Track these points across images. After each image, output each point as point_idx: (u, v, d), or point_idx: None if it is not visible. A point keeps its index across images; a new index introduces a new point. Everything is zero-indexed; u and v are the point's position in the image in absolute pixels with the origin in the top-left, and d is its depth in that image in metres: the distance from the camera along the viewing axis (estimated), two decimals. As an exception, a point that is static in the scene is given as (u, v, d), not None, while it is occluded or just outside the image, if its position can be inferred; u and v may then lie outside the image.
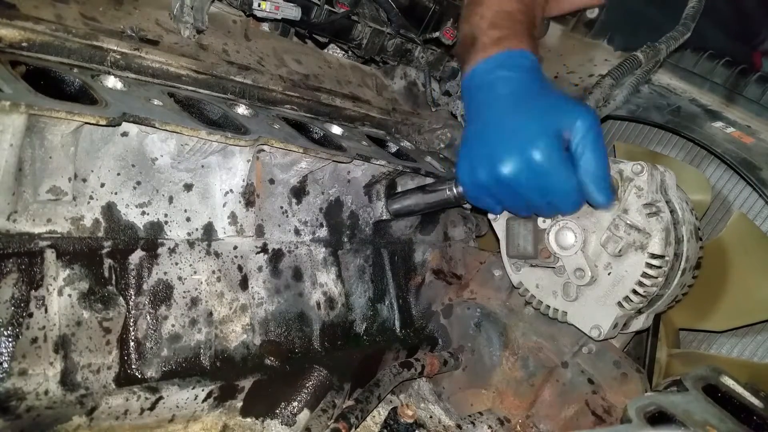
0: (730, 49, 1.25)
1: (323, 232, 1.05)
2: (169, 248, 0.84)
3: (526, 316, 1.10)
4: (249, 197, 0.91)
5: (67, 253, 0.73)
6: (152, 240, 0.82)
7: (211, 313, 0.86)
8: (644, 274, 0.91)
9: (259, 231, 0.94)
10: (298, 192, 1.01)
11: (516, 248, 1.01)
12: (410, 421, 0.84)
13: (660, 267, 0.91)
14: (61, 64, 0.79)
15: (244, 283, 0.91)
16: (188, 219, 0.86)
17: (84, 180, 0.76)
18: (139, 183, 0.81)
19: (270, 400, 0.87)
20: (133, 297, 0.79)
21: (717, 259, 1.05)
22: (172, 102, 0.83)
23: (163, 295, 0.82)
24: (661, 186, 0.95)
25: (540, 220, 0.99)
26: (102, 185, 0.78)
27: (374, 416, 0.98)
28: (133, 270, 0.80)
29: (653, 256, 0.90)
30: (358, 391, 0.93)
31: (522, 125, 0.87)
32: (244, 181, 0.90)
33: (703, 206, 1.08)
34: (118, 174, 0.79)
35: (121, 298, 0.77)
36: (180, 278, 0.84)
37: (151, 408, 0.75)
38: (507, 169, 0.87)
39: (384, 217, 1.14)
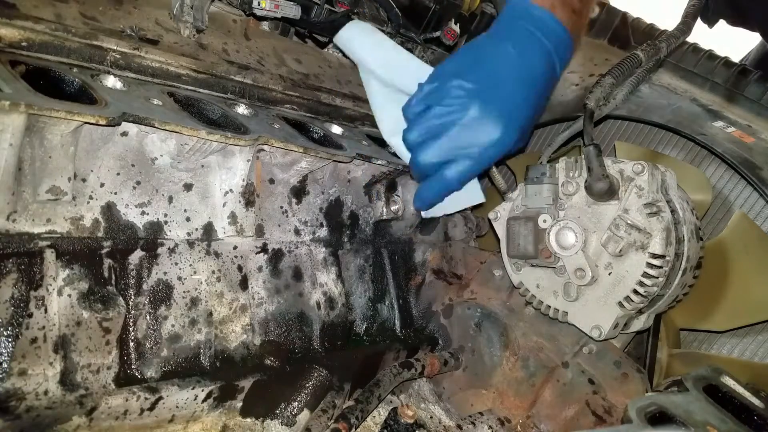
0: None
1: (323, 232, 1.05)
2: (168, 248, 0.83)
3: (526, 316, 1.10)
4: (249, 197, 0.91)
5: (66, 253, 0.73)
6: (152, 240, 0.82)
7: (211, 313, 0.86)
8: (645, 274, 0.91)
9: (259, 231, 0.94)
10: (298, 192, 1.01)
11: (516, 248, 1.01)
12: (410, 421, 0.84)
13: (661, 267, 0.91)
14: (60, 63, 0.79)
15: (244, 283, 0.91)
16: (188, 219, 0.86)
17: (84, 180, 0.76)
18: (138, 183, 0.81)
19: (270, 401, 0.87)
20: (132, 297, 0.79)
21: (718, 259, 1.05)
22: (171, 101, 0.83)
23: (162, 295, 0.82)
24: (661, 186, 0.95)
25: (541, 219, 0.99)
26: (102, 185, 0.78)
27: (374, 416, 0.98)
28: (133, 270, 0.80)
29: (654, 255, 0.90)
30: (358, 392, 0.93)
31: None
32: (244, 180, 0.89)
33: (703, 206, 1.08)
34: (118, 174, 0.79)
35: (120, 298, 0.77)
36: (180, 278, 0.84)
37: (151, 408, 0.75)
38: None
39: (384, 217, 1.14)
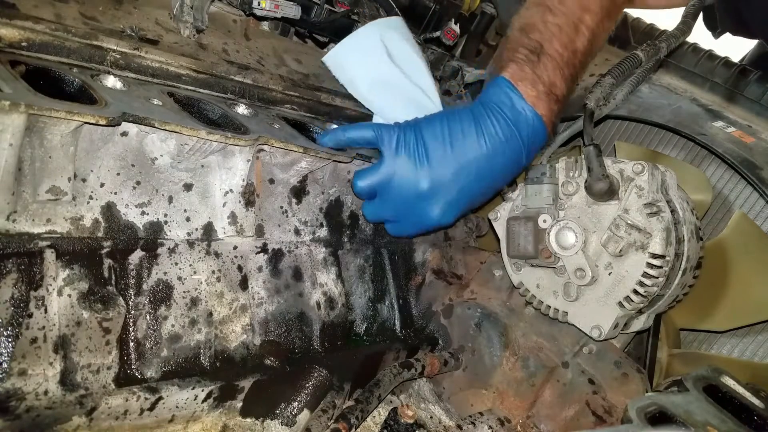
0: None
1: (323, 232, 1.05)
2: (168, 248, 0.83)
3: (526, 316, 1.10)
4: (249, 197, 0.91)
5: (66, 253, 0.73)
6: (152, 240, 0.82)
7: (211, 314, 0.86)
8: (645, 274, 0.91)
9: (259, 231, 0.94)
10: (298, 192, 1.01)
11: (516, 248, 1.01)
12: (410, 421, 0.84)
13: (661, 267, 0.91)
14: (60, 63, 0.79)
15: (244, 283, 0.91)
16: (188, 219, 0.86)
17: (83, 180, 0.76)
18: (138, 183, 0.81)
19: (270, 401, 0.87)
20: (132, 297, 0.79)
21: (718, 259, 1.05)
22: (171, 102, 0.83)
23: (162, 295, 0.82)
24: (661, 186, 0.95)
25: (541, 219, 0.99)
26: (102, 185, 0.78)
27: (374, 416, 0.98)
28: (133, 270, 0.80)
29: (654, 255, 0.90)
30: (358, 392, 0.93)
31: None
32: (244, 180, 0.89)
33: (703, 206, 1.08)
34: (118, 174, 0.79)
35: (120, 298, 0.76)
36: (180, 278, 0.84)
37: (151, 408, 0.75)
38: None
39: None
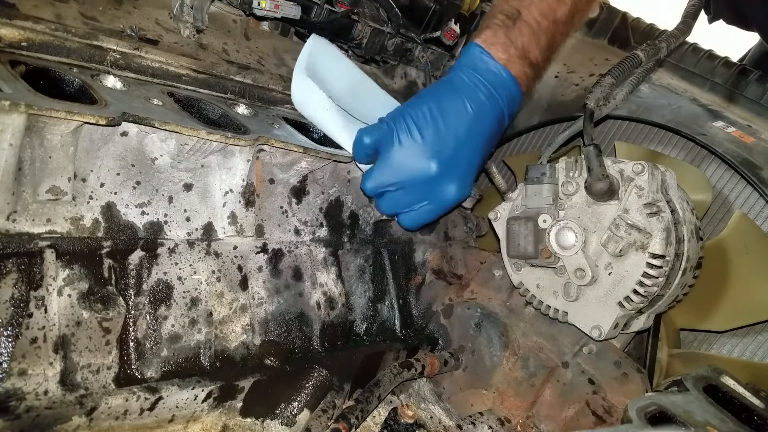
0: None
1: (323, 232, 1.05)
2: (168, 248, 0.83)
3: (526, 316, 1.10)
4: (249, 197, 0.91)
5: (66, 253, 0.73)
6: (152, 240, 0.82)
7: (211, 313, 0.86)
8: (645, 274, 0.91)
9: (259, 231, 0.94)
10: (298, 192, 1.01)
11: (516, 248, 1.01)
12: (410, 421, 0.84)
13: (661, 267, 0.91)
14: (60, 63, 0.79)
15: (244, 283, 0.91)
16: (188, 219, 0.86)
17: (83, 180, 0.76)
18: (138, 183, 0.81)
19: (270, 401, 0.87)
20: (132, 297, 0.79)
21: (718, 258, 1.05)
22: (171, 102, 0.83)
23: (162, 295, 0.82)
24: (661, 186, 0.95)
25: (541, 219, 0.99)
26: (102, 185, 0.78)
27: (374, 416, 0.98)
28: (133, 270, 0.80)
29: (654, 255, 0.90)
30: (358, 392, 0.93)
31: None
32: (243, 180, 0.89)
33: (703, 206, 1.08)
34: (118, 174, 0.79)
35: (120, 298, 0.76)
36: (180, 278, 0.84)
37: (151, 408, 0.75)
38: None
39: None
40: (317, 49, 1.06)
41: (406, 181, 0.99)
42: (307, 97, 1.02)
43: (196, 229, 0.87)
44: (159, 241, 0.82)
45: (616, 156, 1.15)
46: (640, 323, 1.01)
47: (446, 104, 0.97)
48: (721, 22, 1.59)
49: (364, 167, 1.03)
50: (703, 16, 1.31)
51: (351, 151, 1.00)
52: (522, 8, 0.97)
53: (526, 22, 0.97)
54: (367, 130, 0.98)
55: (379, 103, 1.10)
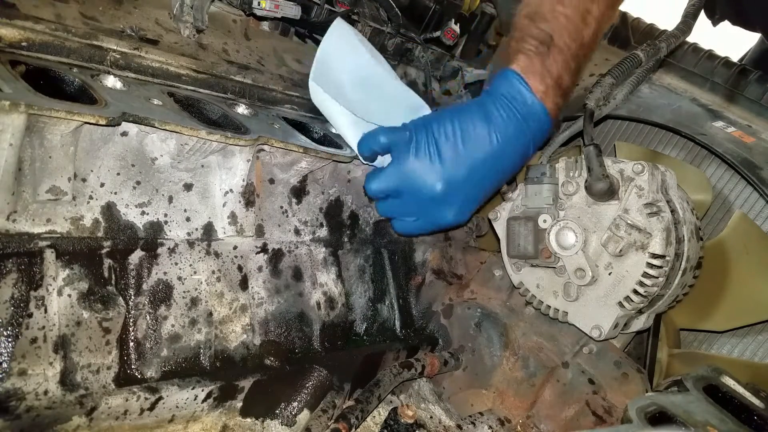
0: None
1: (323, 232, 1.05)
2: (168, 248, 0.83)
3: (526, 316, 1.10)
4: (249, 197, 0.91)
5: (66, 253, 0.73)
6: (152, 240, 0.82)
7: (211, 313, 0.86)
8: (645, 274, 0.91)
9: (259, 231, 0.94)
10: (298, 192, 1.01)
11: (516, 248, 1.01)
12: (410, 421, 0.84)
13: (661, 267, 0.91)
14: (60, 63, 0.79)
15: (244, 283, 0.91)
16: (188, 219, 0.86)
17: (84, 180, 0.76)
18: (138, 183, 0.81)
19: (270, 401, 0.87)
20: (132, 297, 0.79)
21: (718, 259, 1.05)
22: (171, 101, 0.83)
23: (162, 295, 0.82)
24: (661, 186, 0.95)
25: (541, 219, 0.99)
26: (102, 185, 0.78)
27: (374, 416, 0.98)
28: (133, 270, 0.80)
29: (654, 255, 0.90)
30: (358, 392, 0.93)
31: None
32: (244, 180, 0.89)
33: (703, 206, 1.08)
34: (118, 174, 0.79)
35: (120, 298, 0.76)
36: (180, 278, 0.84)
37: (151, 408, 0.75)
38: None
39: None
40: (335, 38, 1.04)
41: (408, 192, 0.98)
42: (322, 92, 1.03)
43: (196, 229, 0.87)
44: (159, 241, 0.82)
45: (616, 156, 1.15)
46: (640, 323, 1.01)
47: (472, 130, 0.95)
48: (724, 23, 1.59)
49: (363, 168, 1.03)
50: (705, 17, 1.31)
51: (355, 146, 1.00)
52: (554, 33, 0.94)
53: (559, 49, 0.94)
54: (387, 130, 0.97)
55: (394, 99, 1.07)
